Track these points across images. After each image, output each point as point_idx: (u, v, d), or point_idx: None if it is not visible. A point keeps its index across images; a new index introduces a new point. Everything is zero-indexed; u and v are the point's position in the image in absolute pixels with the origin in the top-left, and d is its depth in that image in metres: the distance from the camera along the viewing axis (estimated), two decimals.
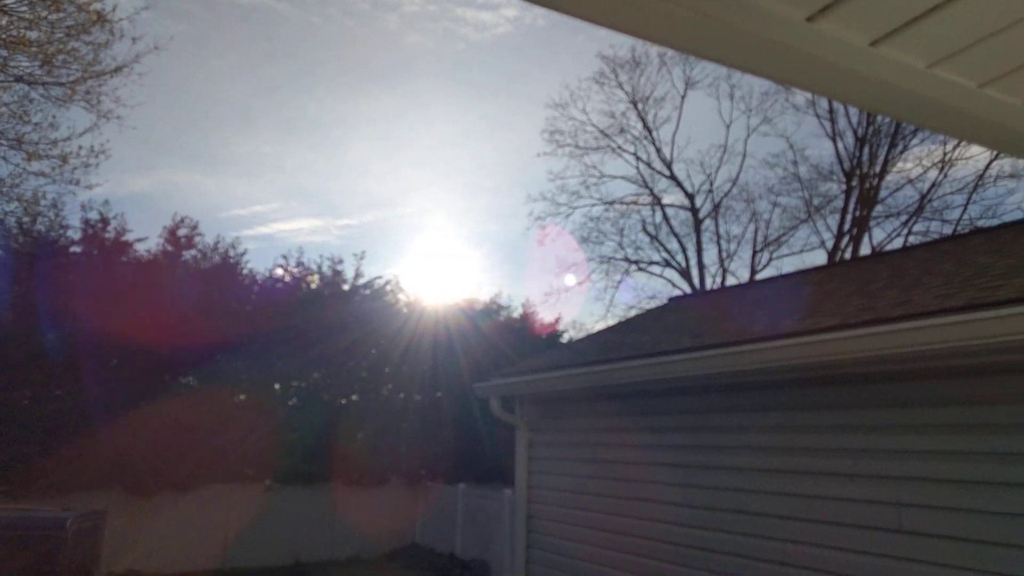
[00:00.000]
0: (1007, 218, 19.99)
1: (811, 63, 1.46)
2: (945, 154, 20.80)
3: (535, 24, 27.49)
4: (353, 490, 15.84)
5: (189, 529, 14.00)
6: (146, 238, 15.48)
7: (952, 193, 21.02)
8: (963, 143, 19.88)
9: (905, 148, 22.12)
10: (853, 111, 22.34)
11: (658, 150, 25.64)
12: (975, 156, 20.31)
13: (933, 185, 21.29)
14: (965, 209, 20.62)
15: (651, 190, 25.84)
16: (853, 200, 22.69)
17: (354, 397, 16.84)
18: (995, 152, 18.48)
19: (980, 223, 19.87)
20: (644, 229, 25.95)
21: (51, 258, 14.08)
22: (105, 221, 15.03)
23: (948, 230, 20.54)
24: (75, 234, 14.82)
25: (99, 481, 13.11)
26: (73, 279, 14.14)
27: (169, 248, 15.64)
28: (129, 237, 15.19)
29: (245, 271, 16.46)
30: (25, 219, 13.80)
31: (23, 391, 13.50)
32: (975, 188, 20.36)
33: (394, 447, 16.00)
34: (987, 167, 19.98)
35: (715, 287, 24.25)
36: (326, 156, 29.10)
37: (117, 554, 12.87)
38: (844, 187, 22.94)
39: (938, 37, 1.45)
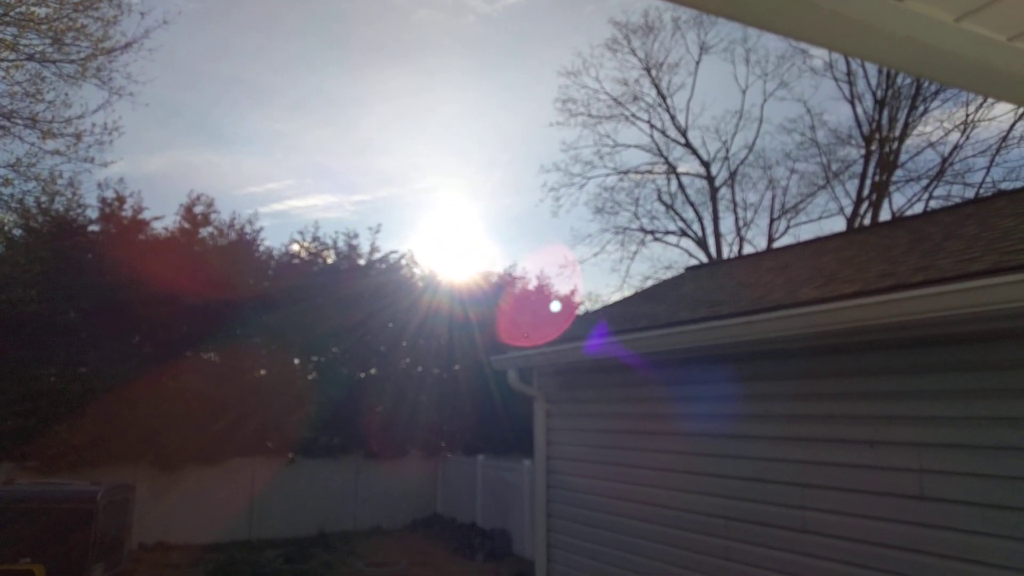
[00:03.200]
0: None
1: (833, 19, 1.41)
2: (967, 115, 20.34)
3: None
4: (374, 462, 16.07)
5: (215, 501, 14.29)
6: (163, 216, 15.64)
7: (974, 156, 20.60)
8: (987, 103, 19.41)
9: (926, 110, 21.65)
10: (872, 73, 21.86)
11: (672, 117, 25.31)
12: (998, 117, 19.85)
13: (955, 148, 20.86)
14: (988, 172, 20.21)
15: (666, 158, 25.56)
16: (872, 165, 22.30)
17: (372, 371, 17.00)
18: (1022, 111, 18.02)
19: (1003, 186, 19.48)
20: (659, 198, 25.73)
21: (70, 236, 14.23)
22: (121, 199, 15.15)
23: (970, 193, 20.16)
24: (93, 212, 14.99)
25: (126, 455, 13.40)
26: (92, 257, 14.30)
27: (186, 225, 15.76)
28: (146, 215, 15.34)
29: (262, 247, 16.58)
30: (43, 198, 13.93)
31: (49, 368, 13.75)
32: (998, 150, 19.92)
33: (413, 420, 16.17)
34: (1011, 128, 19.52)
35: (732, 256, 24.06)
36: (339, 133, 29.08)
37: (145, 526, 13.20)
38: (863, 152, 22.54)
39: None
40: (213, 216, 16.09)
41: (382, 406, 16.16)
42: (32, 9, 11.24)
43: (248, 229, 16.38)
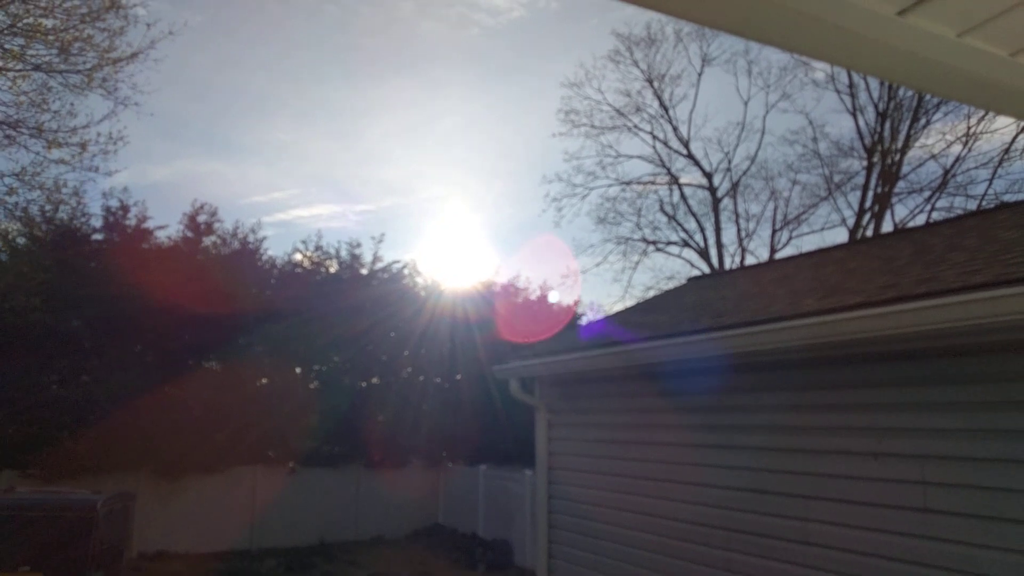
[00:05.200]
0: None
1: (836, 34, 1.42)
2: (969, 128, 20.35)
3: (548, 8, 27.28)
4: (375, 471, 16.03)
5: (216, 510, 14.25)
6: (167, 226, 15.69)
7: (976, 168, 20.59)
8: (989, 115, 19.44)
9: (928, 122, 21.68)
10: (874, 85, 21.91)
11: (675, 128, 25.38)
12: (1001, 129, 19.86)
13: (957, 160, 20.86)
14: (990, 184, 20.20)
15: (668, 169, 25.61)
16: (874, 176, 22.32)
17: (374, 380, 16.99)
18: None
19: (1006, 198, 19.46)
20: (662, 209, 25.76)
21: (74, 245, 14.27)
22: (125, 208, 15.21)
23: (972, 205, 20.14)
24: (97, 221, 15.05)
25: (127, 463, 13.38)
26: (96, 266, 14.34)
27: (189, 234, 15.80)
28: (150, 224, 15.40)
29: (265, 256, 16.62)
30: (48, 207, 13.97)
31: (51, 376, 13.76)
32: (1000, 162, 19.92)
33: (415, 429, 16.14)
34: (1013, 140, 19.54)
35: (734, 267, 24.06)
36: (344, 143, 29.23)
37: (146, 535, 13.17)
38: (865, 163, 22.56)
39: (968, 5, 1.41)
40: (216, 225, 16.15)
41: (384, 415, 16.13)
42: (39, 20, 11.34)
43: (251, 238, 16.44)
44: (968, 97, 1.78)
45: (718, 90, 28.79)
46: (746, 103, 24.70)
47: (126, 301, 13.78)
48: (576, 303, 21.59)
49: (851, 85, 22.43)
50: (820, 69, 23.14)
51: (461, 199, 32.84)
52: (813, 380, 5.06)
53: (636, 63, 25.14)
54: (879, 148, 22.17)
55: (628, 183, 25.87)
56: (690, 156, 25.34)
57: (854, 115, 22.62)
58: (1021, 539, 3.79)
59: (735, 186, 25.11)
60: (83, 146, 12.26)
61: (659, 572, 6.23)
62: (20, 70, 11.69)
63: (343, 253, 17.30)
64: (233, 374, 15.09)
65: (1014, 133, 19.34)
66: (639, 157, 25.88)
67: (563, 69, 30.23)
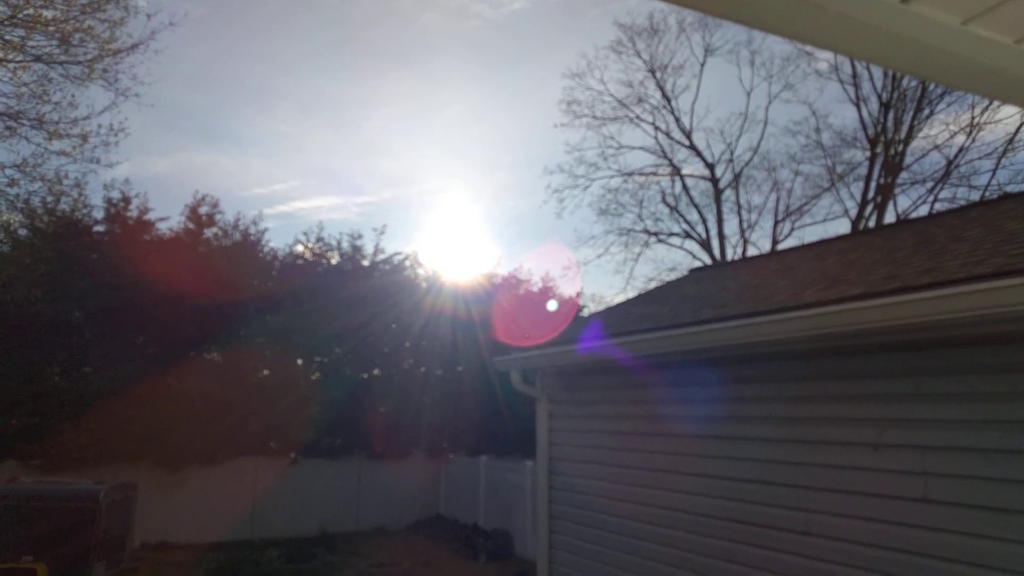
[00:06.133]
0: None
1: (839, 21, 1.41)
2: (973, 118, 20.25)
3: None
4: (377, 463, 16.08)
5: (217, 501, 14.31)
6: (168, 217, 15.69)
7: (980, 158, 20.49)
8: (993, 105, 19.33)
9: (931, 113, 21.57)
10: (878, 75, 21.79)
11: (677, 119, 25.27)
12: (1005, 119, 19.76)
13: (960, 150, 20.76)
14: (994, 174, 20.12)
15: (670, 160, 25.52)
16: (877, 167, 22.23)
17: (376, 371, 17.01)
18: None
19: (1009, 188, 19.41)
20: (663, 200, 25.68)
21: (76, 237, 14.27)
22: (127, 200, 15.19)
23: (976, 196, 20.07)
24: (98, 213, 15.03)
25: (129, 454, 13.43)
26: (97, 258, 14.35)
27: (191, 226, 15.80)
28: (151, 216, 15.39)
29: (266, 248, 16.62)
30: (49, 199, 13.96)
31: (53, 367, 13.79)
32: (1004, 152, 19.82)
33: (416, 420, 16.18)
34: (1017, 130, 19.43)
35: (736, 258, 24.02)
36: (345, 135, 29.16)
37: (148, 525, 13.22)
38: (868, 154, 22.47)
39: None
40: (218, 217, 16.15)
41: (385, 407, 16.17)
42: (39, 11, 11.30)
43: (252, 230, 16.44)
44: (972, 85, 1.77)
45: (721, 81, 28.68)
46: (749, 94, 24.61)
47: (128, 292, 13.79)
48: (578, 295, 21.61)
49: (854, 75, 22.33)
50: (823, 59, 23.04)
51: (462, 191, 32.85)
52: (815, 371, 5.05)
53: (638, 53, 25.03)
54: (882, 138, 22.08)
55: (630, 174, 25.81)
56: (692, 147, 25.27)
57: (857, 105, 22.53)
58: (1021, 530, 3.79)
59: (737, 177, 25.05)
60: (84, 137, 12.25)
61: (660, 562, 6.24)
62: (20, 61, 11.66)
63: (344, 245, 17.31)
64: (234, 365, 15.12)
65: (1018, 123, 19.25)
66: (641, 148, 25.82)
67: (565, 60, 30.09)
